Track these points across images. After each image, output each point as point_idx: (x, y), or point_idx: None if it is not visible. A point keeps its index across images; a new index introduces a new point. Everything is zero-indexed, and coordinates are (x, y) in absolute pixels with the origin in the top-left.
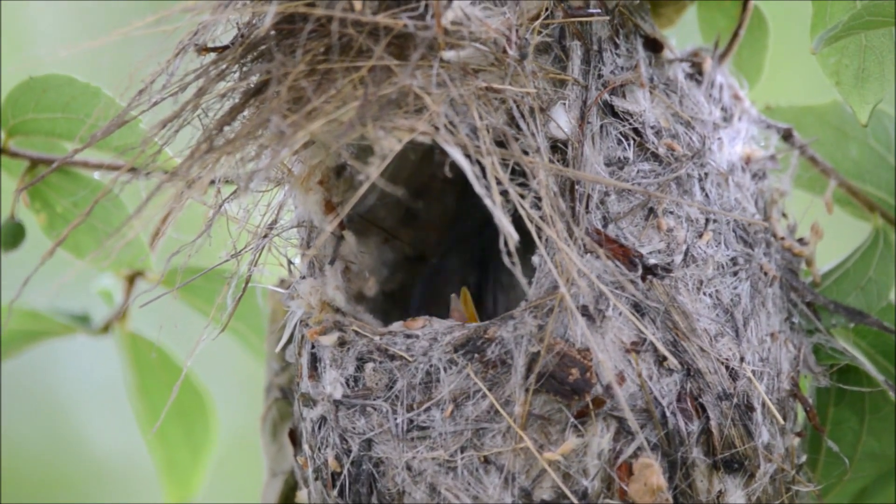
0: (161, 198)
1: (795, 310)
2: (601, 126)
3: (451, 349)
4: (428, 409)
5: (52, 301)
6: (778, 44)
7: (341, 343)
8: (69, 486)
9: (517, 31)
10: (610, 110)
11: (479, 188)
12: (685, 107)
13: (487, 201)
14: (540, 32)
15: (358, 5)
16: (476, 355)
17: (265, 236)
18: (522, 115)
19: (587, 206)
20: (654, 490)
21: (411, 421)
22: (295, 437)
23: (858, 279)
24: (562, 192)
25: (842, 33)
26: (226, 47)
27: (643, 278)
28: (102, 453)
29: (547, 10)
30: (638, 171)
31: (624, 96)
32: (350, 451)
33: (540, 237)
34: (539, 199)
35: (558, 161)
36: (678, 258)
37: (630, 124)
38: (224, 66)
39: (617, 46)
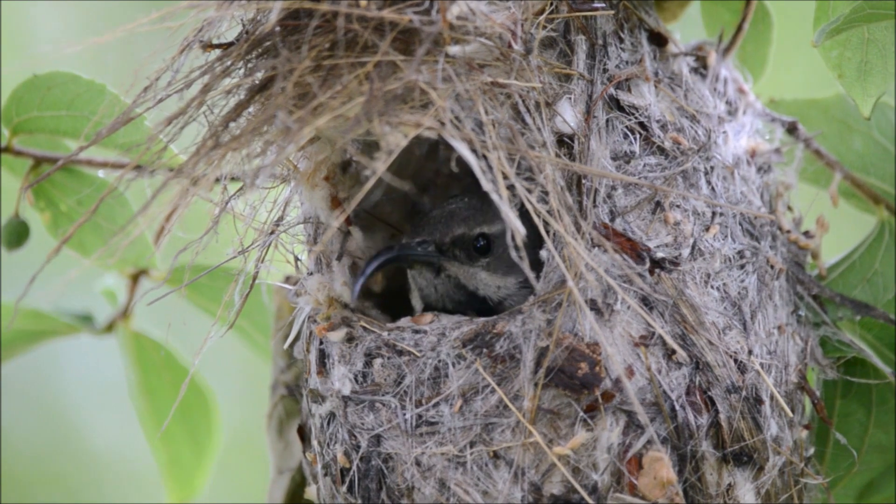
0: (166, 195)
1: (802, 302)
2: (607, 120)
3: (460, 344)
4: (437, 404)
5: (55, 300)
6: (782, 37)
7: (349, 339)
8: (69, 486)
9: (522, 25)
10: (615, 104)
11: (485, 183)
12: (690, 100)
13: (494, 196)
14: (545, 27)
15: (363, 2)
16: (485, 350)
17: (271, 233)
18: (528, 110)
19: (594, 201)
20: (663, 483)
21: (420, 416)
22: (304, 434)
23: (864, 271)
24: (568, 186)
25: (843, 26)
26: (231, 44)
27: (651, 272)
28: (103, 452)
29: (552, 4)
30: (644, 165)
31: (629, 90)
32: (359, 447)
33: (547, 232)
34: (546, 193)
35: (565, 155)
36: (685, 251)
37: (636, 118)
38: (229, 63)
39: (622, 41)
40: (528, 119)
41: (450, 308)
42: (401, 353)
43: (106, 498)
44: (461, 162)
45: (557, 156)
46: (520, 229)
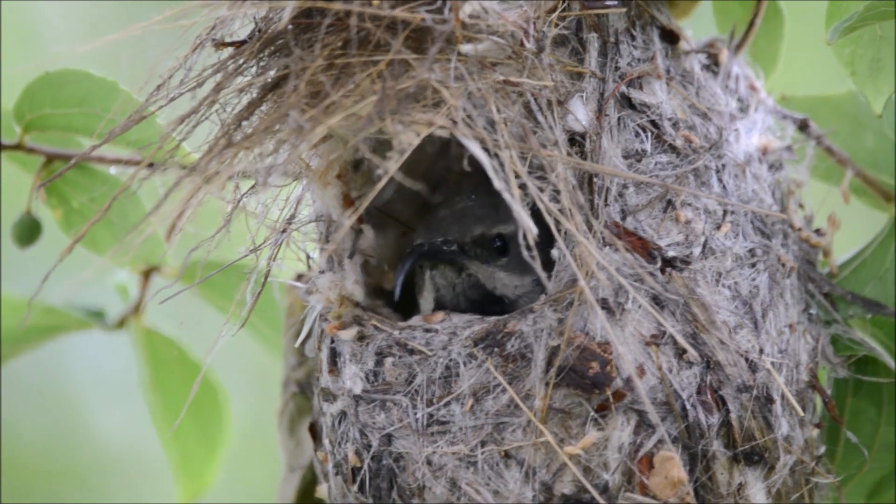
0: (179, 193)
1: (813, 300)
2: (619, 118)
3: (471, 343)
4: (448, 403)
5: (67, 296)
6: (793, 34)
7: (361, 337)
8: (78, 481)
9: (534, 23)
10: (627, 102)
11: (497, 182)
12: (702, 98)
13: (506, 195)
14: (557, 25)
15: (376, 0)
16: (496, 349)
17: (283, 231)
18: (540, 108)
19: (606, 199)
20: (674, 483)
21: (431, 415)
22: (315, 432)
23: (876, 269)
24: (580, 184)
25: (857, 24)
26: (243, 42)
27: (662, 271)
28: (112, 448)
29: (564, 2)
30: (656, 164)
31: (641, 88)
32: (370, 446)
33: (559, 230)
34: (557, 192)
35: (576, 154)
36: (697, 250)
37: (647, 116)
38: (242, 61)
39: (633, 38)
40: (539, 117)
41: (464, 307)
42: (412, 351)
43: (115, 494)
44: (473, 160)
45: (569, 154)
46: (532, 229)
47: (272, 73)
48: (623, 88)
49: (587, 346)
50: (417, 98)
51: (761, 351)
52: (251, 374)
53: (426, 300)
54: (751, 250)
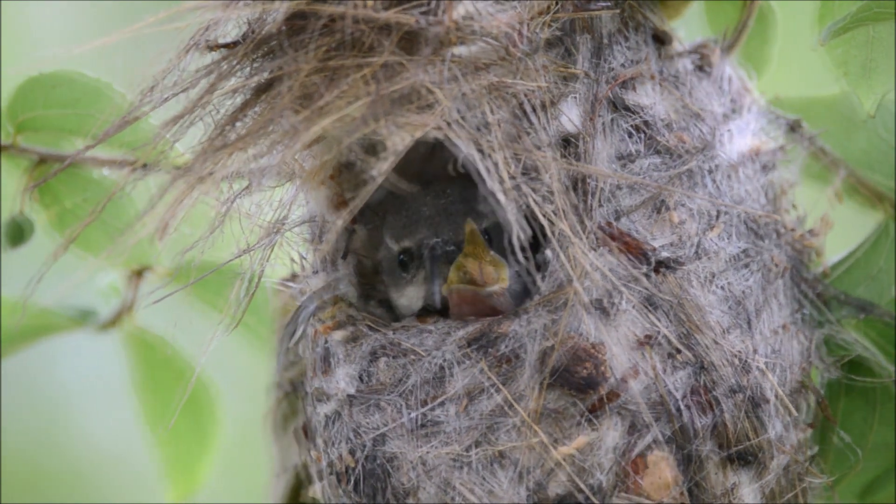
0: (172, 194)
1: (805, 301)
2: (611, 120)
3: (465, 343)
4: (441, 403)
5: (57, 297)
6: (786, 35)
7: (354, 338)
8: (68, 482)
9: (527, 25)
10: (620, 103)
11: (490, 183)
12: (694, 99)
13: (499, 196)
14: (549, 26)
15: (368, 2)
16: (489, 350)
17: (276, 232)
18: (533, 110)
19: (598, 200)
20: (667, 483)
21: (424, 416)
22: (307, 433)
23: (868, 270)
24: (573, 186)
25: (850, 25)
26: (236, 44)
27: (655, 272)
28: (102, 450)
29: (555, 4)
30: (648, 165)
31: (633, 89)
32: (363, 447)
33: (551, 232)
34: (550, 193)
35: (569, 155)
36: (689, 251)
37: (640, 117)
38: (234, 63)
39: (626, 39)
40: (532, 119)
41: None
42: (405, 352)
43: (104, 496)
44: (465, 161)
45: (562, 155)
46: (524, 230)
47: (265, 74)
48: (615, 90)
49: (580, 347)
50: (410, 99)
51: (754, 351)
52: (243, 374)
53: (431, 297)
54: (743, 251)
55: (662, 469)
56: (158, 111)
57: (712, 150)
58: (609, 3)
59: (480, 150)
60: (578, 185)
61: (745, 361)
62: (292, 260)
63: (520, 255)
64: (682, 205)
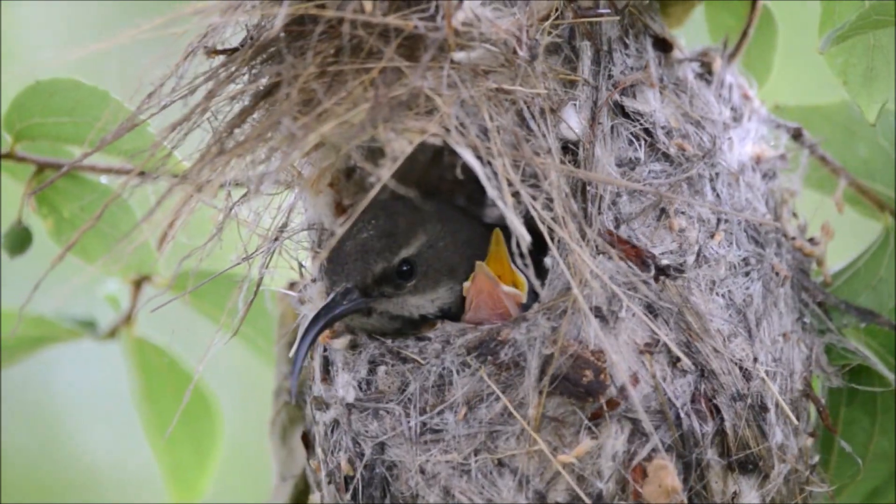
0: (171, 202)
1: (807, 310)
2: (612, 126)
3: (464, 351)
4: (441, 411)
5: (57, 306)
6: (787, 43)
7: (353, 346)
8: (66, 493)
9: (527, 31)
10: (620, 110)
11: (490, 190)
12: (695, 106)
13: (499, 203)
14: (550, 33)
15: (368, 7)
16: (489, 357)
17: (276, 239)
18: (533, 116)
19: (599, 207)
20: (668, 492)
21: (424, 424)
22: (308, 441)
23: (869, 279)
24: (573, 193)
25: (849, 32)
26: (235, 49)
27: (656, 279)
28: (101, 460)
29: (557, 10)
30: (649, 172)
31: (634, 96)
32: (363, 455)
33: (552, 238)
34: (551, 200)
35: (570, 162)
36: (690, 259)
37: (641, 124)
38: (234, 69)
39: (627, 46)
40: (532, 125)
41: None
42: (405, 360)
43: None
44: (466, 168)
45: (562, 162)
46: (525, 237)
47: (264, 80)
48: (616, 97)
49: (581, 355)
50: (410, 106)
51: (755, 359)
52: (244, 383)
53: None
54: (744, 259)
55: (663, 477)
56: (157, 118)
57: (713, 157)
58: (610, 10)
59: (480, 157)
60: (579, 192)
61: (747, 369)
62: (292, 268)
63: (519, 262)
64: (683, 212)
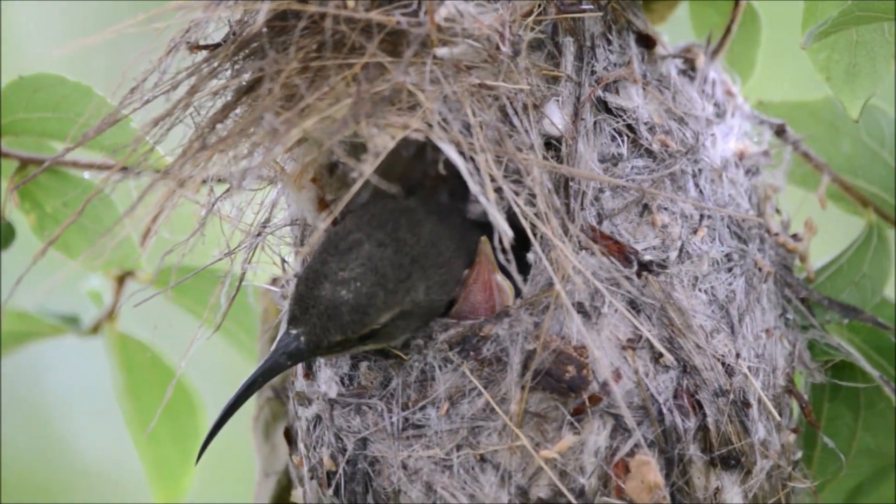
0: (153, 197)
1: (790, 306)
2: (595, 122)
3: (447, 347)
4: (423, 407)
5: (40, 302)
6: (770, 39)
7: None
8: (55, 489)
9: (510, 27)
10: (603, 107)
11: (473, 185)
12: (678, 103)
13: (482, 199)
14: (533, 29)
15: (350, 3)
16: (471, 353)
17: (258, 235)
18: (516, 112)
19: (582, 203)
20: (651, 487)
21: (406, 419)
22: (290, 436)
23: (852, 275)
24: (556, 188)
25: (832, 29)
26: (218, 45)
27: (638, 275)
28: (88, 456)
29: (539, 6)
30: (632, 168)
31: (617, 92)
32: (345, 450)
33: (534, 234)
34: (533, 196)
35: (552, 158)
36: (673, 254)
37: (623, 120)
38: (216, 64)
39: (610, 42)
40: (515, 121)
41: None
42: (387, 355)
43: (91, 501)
44: (449, 164)
45: (545, 158)
46: (507, 232)
47: (247, 75)
48: (599, 92)
49: (563, 350)
50: (392, 101)
51: (738, 355)
52: (226, 378)
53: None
54: (727, 255)
55: (646, 473)
56: (139, 113)
57: (696, 153)
58: (592, 7)
59: (463, 153)
60: (561, 188)
61: (729, 365)
62: (274, 263)
63: (502, 259)
64: (666, 208)
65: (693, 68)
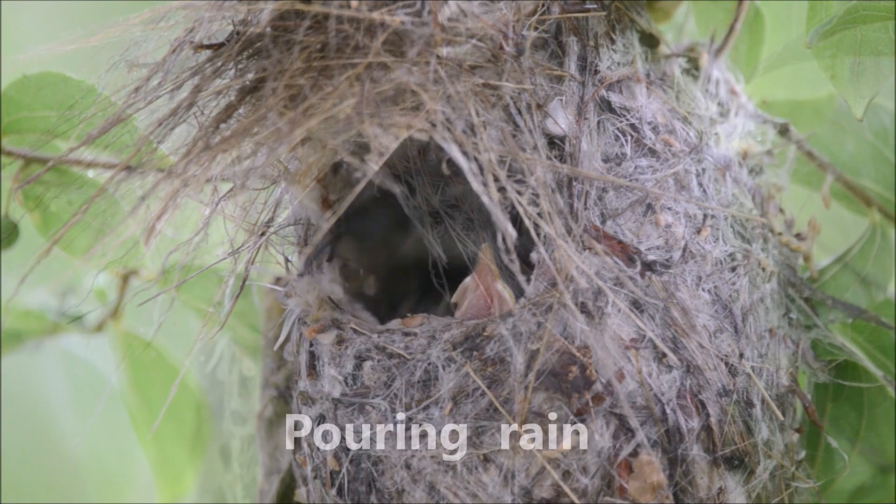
0: (157, 196)
1: (793, 305)
2: (598, 122)
3: (450, 347)
4: (426, 407)
5: (44, 300)
6: (774, 38)
7: (339, 341)
8: (55, 489)
9: (514, 27)
10: (607, 106)
11: (476, 185)
12: (682, 102)
13: (485, 198)
14: (536, 28)
15: (354, 3)
16: (475, 353)
17: (262, 234)
18: (519, 112)
19: (585, 203)
20: (654, 487)
21: (410, 419)
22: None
23: (856, 275)
24: (559, 188)
25: (837, 27)
26: (222, 45)
27: (642, 275)
28: (88, 454)
29: (543, 5)
30: (636, 167)
31: (621, 92)
32: (349, 450)
33: (538, 234)
34: (537, 195)
35: (556, 157)
36: (677, 254)
37: (627, 120)
38: (220, 64)
39: (613, 42)
40: (519, 121)
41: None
42: (391, 355)
43: (90, 500)
44: (452, 164)
45: (549, 158)
46: (511, 233)
47: (250, 75)
48: (603, 92)
49: (566, 350)
50: (396, 101)
51: (741, 355)
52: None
53: None
54: (731, 254)
55: (649, 473)
56: (143, 113)
57: (700, 153)
58: (596, 6)
59: (466, 153)
60: (565, 187)
61: (733, 365)
62: (278, 262)
63: (504, 258)
64: (669, 208)
65: (697, 67)
